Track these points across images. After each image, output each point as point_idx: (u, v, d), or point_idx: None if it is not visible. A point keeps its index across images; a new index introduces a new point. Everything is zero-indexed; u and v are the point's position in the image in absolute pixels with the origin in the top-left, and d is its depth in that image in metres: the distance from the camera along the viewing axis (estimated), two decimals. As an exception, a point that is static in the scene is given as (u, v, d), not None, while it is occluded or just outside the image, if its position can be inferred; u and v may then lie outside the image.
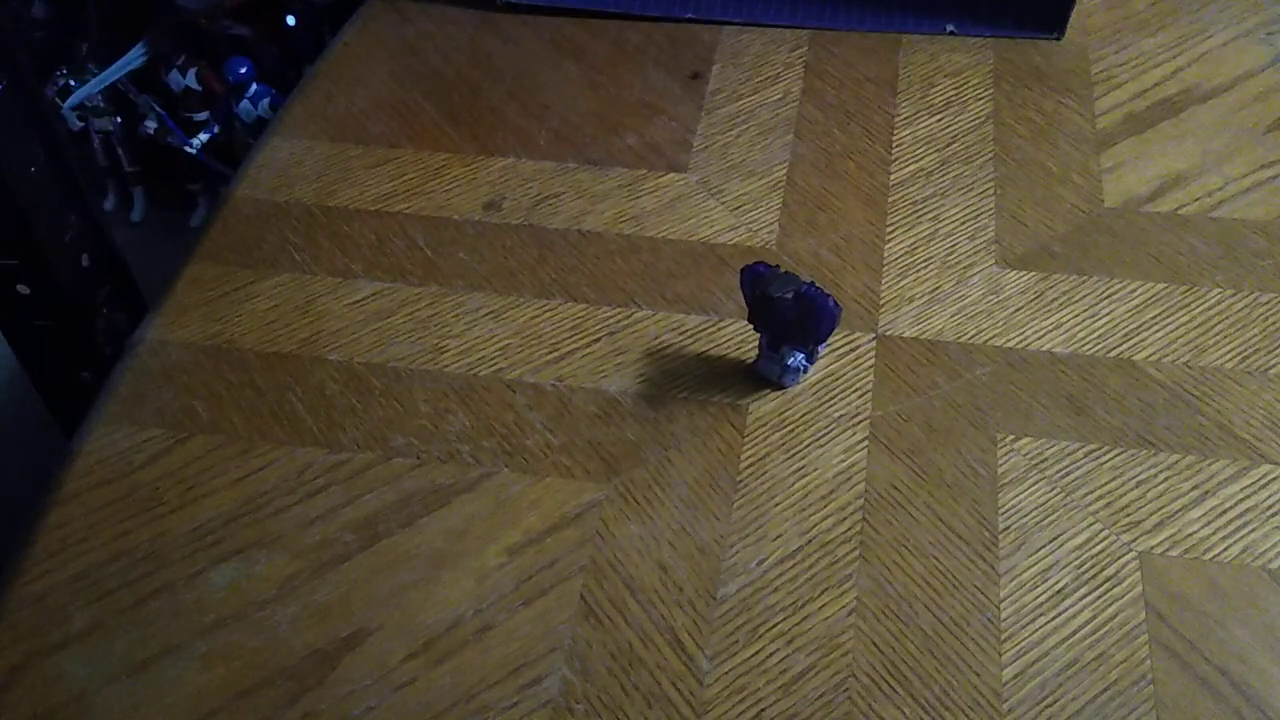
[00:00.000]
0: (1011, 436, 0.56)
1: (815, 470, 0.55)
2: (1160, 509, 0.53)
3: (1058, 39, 0.78)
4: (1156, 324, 0.61)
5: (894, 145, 0.71)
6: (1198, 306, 0.61)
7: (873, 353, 0.60)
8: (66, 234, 0.77)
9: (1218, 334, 0.60)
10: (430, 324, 0.62)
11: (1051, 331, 0.60)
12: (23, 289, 0.76)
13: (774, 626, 0.50)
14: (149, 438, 0.57)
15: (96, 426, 0.58)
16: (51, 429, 0.87)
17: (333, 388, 0.59)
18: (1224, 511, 0.53)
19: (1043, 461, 0.55)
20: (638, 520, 0.53)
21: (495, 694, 0.48)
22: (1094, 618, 0.49)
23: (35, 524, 0.54)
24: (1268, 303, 0.62)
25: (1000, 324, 0.61)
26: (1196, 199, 0.67)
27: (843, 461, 0.55)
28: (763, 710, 0.47)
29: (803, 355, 0.56)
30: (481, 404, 0.58)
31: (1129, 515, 0.53)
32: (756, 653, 0.49)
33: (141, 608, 0.51)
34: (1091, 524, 0.53)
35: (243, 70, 1.20)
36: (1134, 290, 0.62)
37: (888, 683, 0.48)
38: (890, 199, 0.68)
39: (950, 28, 0.79)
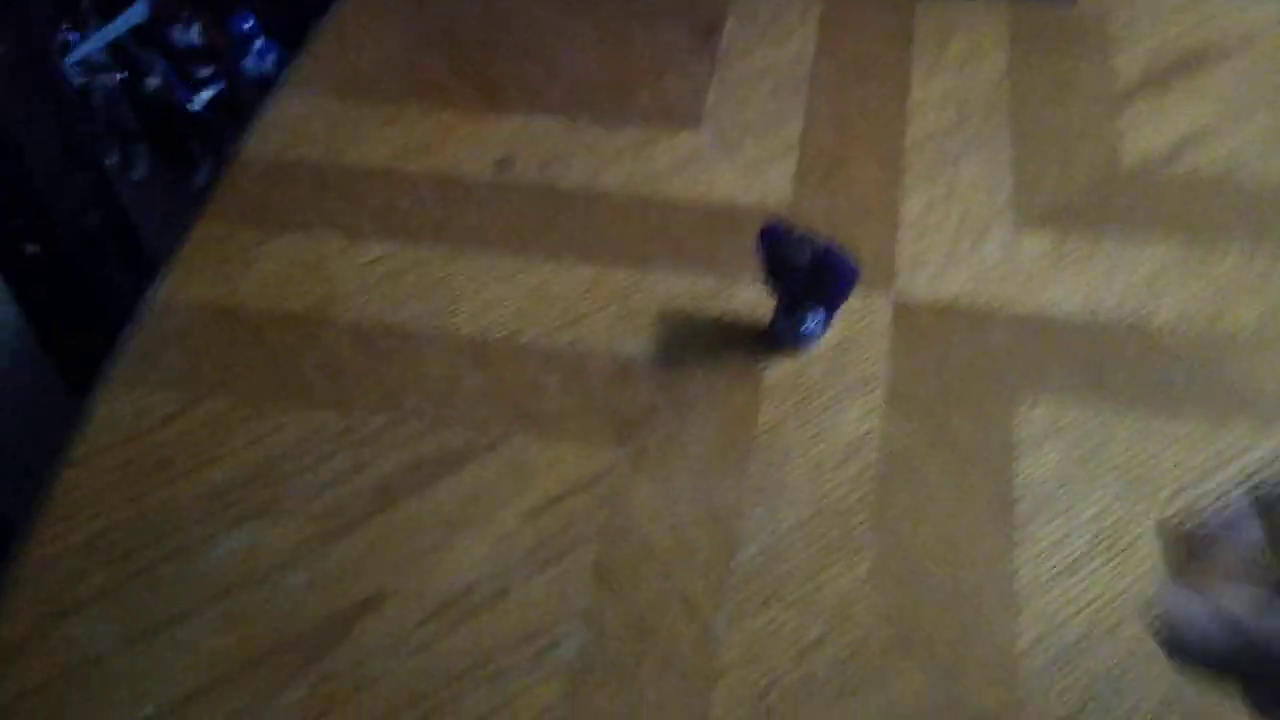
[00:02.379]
0: (1028, 402, 0.55)
1: (830, 435, 0.55)
2: (1177, 475, 0.53)
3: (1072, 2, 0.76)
4: (1174, 288, 0.60)
5: (910, 104, 0.70)
6: (1216, 269, 0.61)
7: (889, 316, 0.59)
8: (73, 193, 0.76)
9: (1235, 297, 0.59)
10: (442, 285, 0.61)
11: (1069, 295, 0.60)
12: (31, 248, 0.75)
13: (789, 592, 0.50)
14: (160, 401, 0.57)
15: (107, 389, 0.58)
16: (61, 391, 0.87)
17: (344, 350, 0.59)
18: (1243, 478, 0.53)
19: (1059, 428, 0.54)
20: (652, 485, 0.53)
21: (512, 658, 0.48)
22: (1110, 585, 0.49)
23: (48, 487, 0.54)
24: (1288, 266, 0.61)
25: (1017, 287, 0.60)
26: (1215, 159, 0.66)
27: (858, 426, 0.55)
28: (777, 676, 0.47)
29: (819, 317, 0.56)
30: (495, 367, 0.58)
31: (1146, 481, 0.53)
32: (771, 618, 0.49)
33: (155, 571, 0.51)
34: (1108, 491, 0.52)
35: (247, 25, 1.18)
36: (1151, 252, 0.62)
37: (902, 649, 0.48)
38: (906, 158, 0.67)
39: (967, -17, 0.78)
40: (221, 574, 0.51)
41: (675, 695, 0.47)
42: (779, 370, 0.57)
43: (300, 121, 0.71)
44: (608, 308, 0.60)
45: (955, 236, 0.63)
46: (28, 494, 0.54)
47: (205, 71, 1.26)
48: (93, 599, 0.50)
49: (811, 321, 0.56)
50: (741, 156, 0.67)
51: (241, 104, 1.25)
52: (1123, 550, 0.50)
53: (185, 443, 0.55)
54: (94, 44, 1.25)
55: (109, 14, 1.25)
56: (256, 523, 0.52)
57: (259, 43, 1.20)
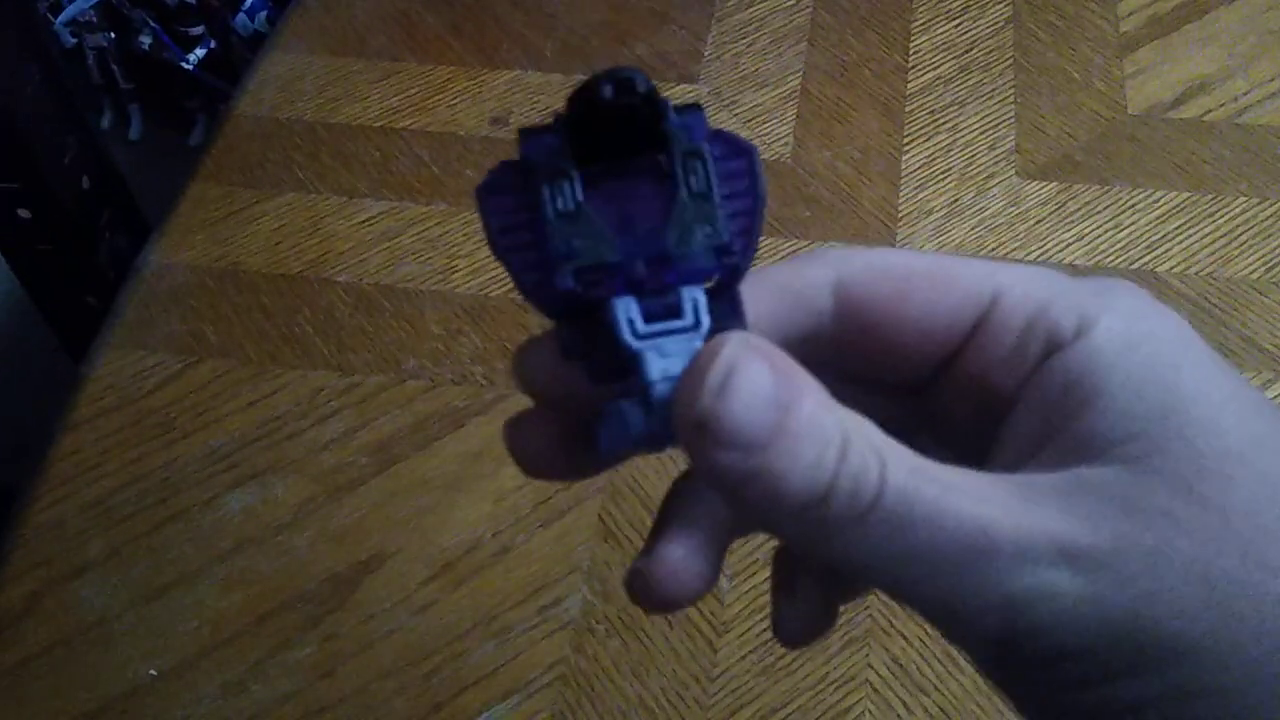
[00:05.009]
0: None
1: (834, 388, 0.54)
2: (1183, 423, 0.52)
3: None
4: (1180, 234, 0.59)
5: (911, 52, 0.69)
6: (1222, 216, 0.60)
7: (891, 267, 0.59)
8: (65, 155, 0.75)
9: (1242, 244, 0.59)
10: (439, 243, 0.61)
11: (1073, 243, 0.59)
12: (24, 213, 0.75)
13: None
14: (158, 362, 0.57)
15: (105, 352, 0.57)
16: (58, 354, 0.87)
17: (342, 310, 0.58)
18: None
19: (1064, 376, 0.54)
20: (655, 440, 0.53)
21: (516, 615, 0.48)
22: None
23: (47, 450, 0.54)
24: (1294, 211, 0.60)
25: (1020, 236, 0.60)
26: (1222, 104, 0.65)
27: (861, 378, 0.54)
28: (784, 629, 0.47)
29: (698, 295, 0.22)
30: (493, 325, 0.57)
31: (1152, 429, 0.52)
32: (777, 572, 0.49)
33: (158, 533, 0.51)
34: (1114, 439, 0.52)
35: (237, -18, 1.17)
36: (1157, 200, 0.61)
37: (909, 600, 0.48)
38: (908, 108, 0.66)
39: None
40: (224, 535, 0.50)
41: (681, 648, 0.47)
42: (781, 323, 0.57)
43: (293, 79, 0.70)
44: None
45: (958, 186, 0.62)
46: (27, 460, 0.54)
47: (196, 30, 1.25)
48: (95, 563, 0.50)
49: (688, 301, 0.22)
50: (741, 109, 0.66)
51: (234, 62, 1.24)
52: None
53: (185, 405, 0.55)
54: (83, 3, 1.24)
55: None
56: (258, 483, 0.52)
57: (249, 0, 1.19)
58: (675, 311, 0.21)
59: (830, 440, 0.20)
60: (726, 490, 0.20)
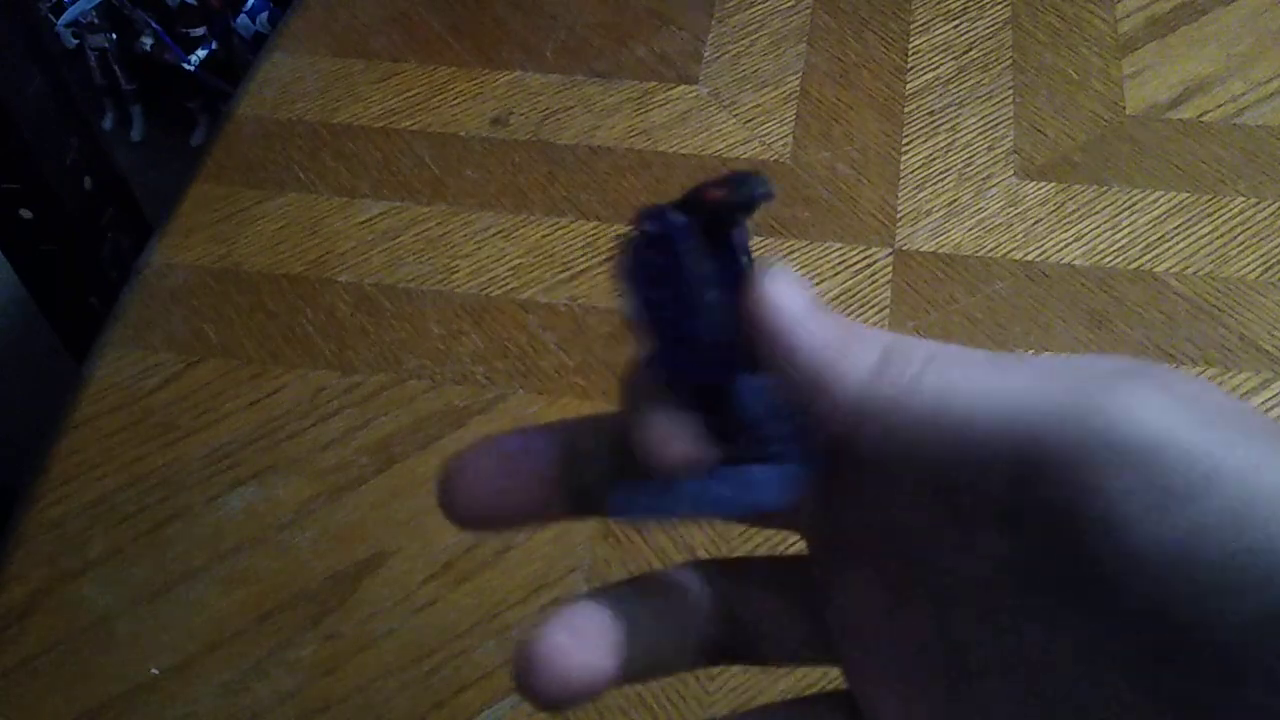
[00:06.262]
0: (1031, 351, 0.55)
1: (833, 387, 0.54)
2: (1181, 422, 0.53)
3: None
4: (1178, 235, 0.60)
5: (910, 53, 0.69)
6: (1220, 216, 0.60)
7: (890, 268, 0.59)
8: (67, 156, 0.75)
9: (1241, 244, 0.59)
10: (440, 244, 0.61)
11: (1071, 244, 0.59)
12: (25, 213, 0.75)
13: (793, 544, 0.50)
14: (160, 362, 0.57)
15: (106, 351, 0.57)
16: (60, 354, 0.87)
17: (344, 309, 0.58)
18: (1246, 424, 0.52)
19: (1063, 376, 0.54)
20: (655, 440, 0.53)
21: (517, 614, 0.48)
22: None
23: (49, 450, 0.54)
24: (1292, 211, 0.60)
25: (1019, 236, 0.60)
26: (1220, 105, 0.66)
27: (860, 378, 0.55)
28: (783, 627, 0.47)
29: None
30: (494, 325, 0.57)
31: (1150, 429, 0.52)
32: (776, 571, 0.49)
33: (159, 532, 0.51)
34: (1112, 438, 0.52)
35: (238, -17, 1.17)
36: (1156, 200, 0.61)
37: (908, 599, 0.48)
38: (906, 109, 0.66)
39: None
40: (226, 534, 0.51)
41: (680, 648, 0.47)
42: (780, 323, 0.57)
43: (294, 80, 0.70)
44: (607, 264, 0.60)
45: (956, 187, 0.62)
46: (29, 460, 0.54)
47: (198, 31, 1.25)
48: (97, 562, 0.50)
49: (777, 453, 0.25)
50: (740, 110, 0.67)
51: (235, 63, 1.24)
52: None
53: (186, 404, 0.55)
54: (85, 4, 1.24)
55: (99, -25, 1.24)
56: (259, 482, 0.52)
57: (251, 1, 1.19)
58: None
59: (877, 336, 0.24)
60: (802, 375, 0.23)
